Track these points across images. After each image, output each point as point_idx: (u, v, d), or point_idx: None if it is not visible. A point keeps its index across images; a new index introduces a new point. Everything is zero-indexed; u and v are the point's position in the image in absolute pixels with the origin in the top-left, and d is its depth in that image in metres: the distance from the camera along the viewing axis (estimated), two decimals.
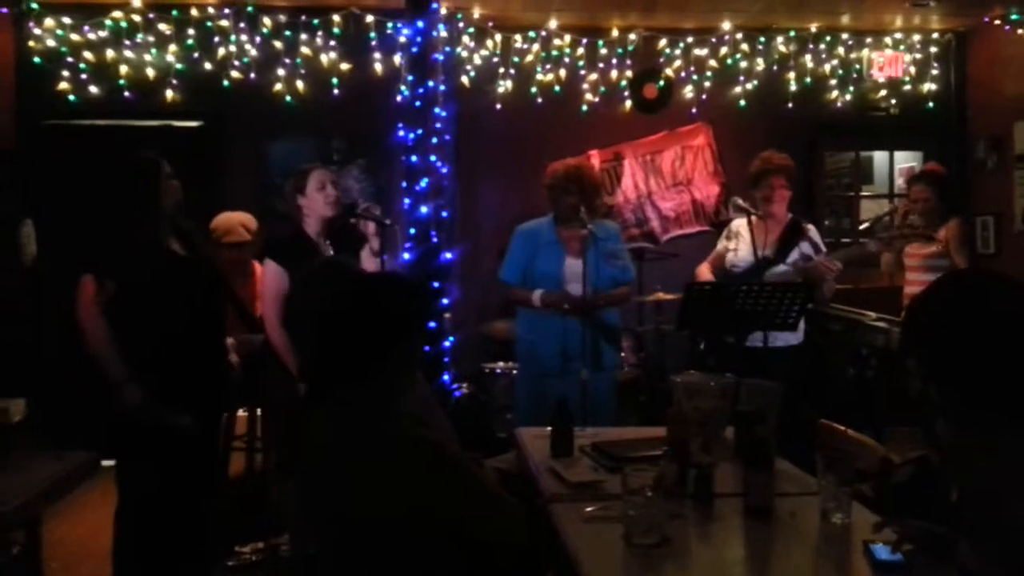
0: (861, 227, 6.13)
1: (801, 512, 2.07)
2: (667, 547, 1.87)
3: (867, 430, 3.36)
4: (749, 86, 5.86)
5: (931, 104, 6.00)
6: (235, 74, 5.35)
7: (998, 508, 1.46)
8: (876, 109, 6.03)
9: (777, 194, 3.91)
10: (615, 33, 5.72)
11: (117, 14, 5.24)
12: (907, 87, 5.99)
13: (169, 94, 5.35)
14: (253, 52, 5.34)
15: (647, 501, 1.90)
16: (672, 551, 1.87)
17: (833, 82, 5.92)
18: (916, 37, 5.96)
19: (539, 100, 5.69)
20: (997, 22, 5.51)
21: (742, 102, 5.86)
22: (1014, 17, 5.36)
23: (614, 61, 5.76)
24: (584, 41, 5.70)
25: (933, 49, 5.98)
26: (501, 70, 5.62)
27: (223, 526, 3.50)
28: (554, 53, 5.69)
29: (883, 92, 6.00)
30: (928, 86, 5.98)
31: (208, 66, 5.35)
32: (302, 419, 1.98)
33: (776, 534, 2.00)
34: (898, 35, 5.94)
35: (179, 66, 5.35)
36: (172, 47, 5.32)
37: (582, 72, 5.74)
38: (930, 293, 1.60)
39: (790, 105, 5.86)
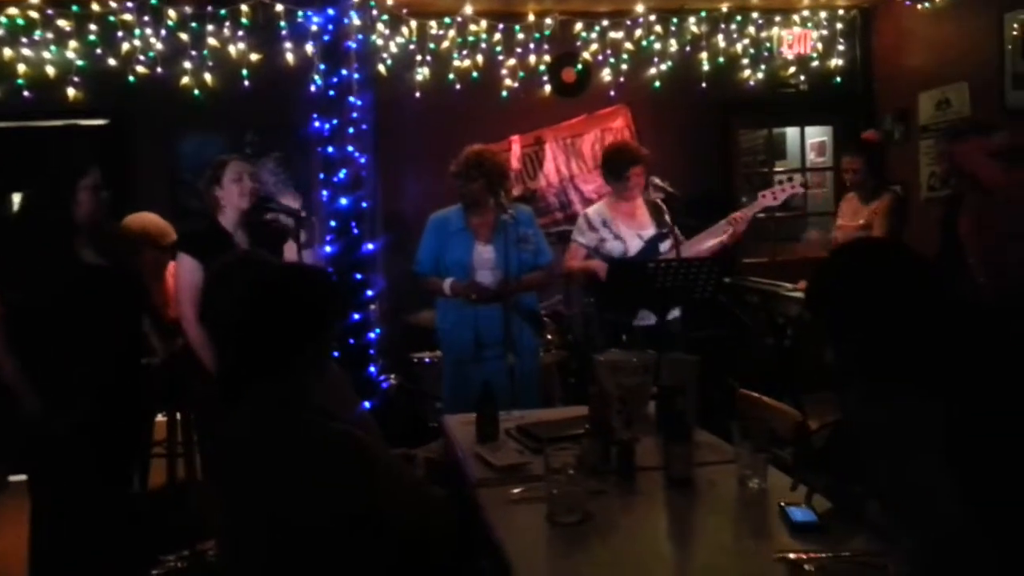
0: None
1: (720, 480, 2.12)
2: (590, 524, 1.90)
3: (786, 398, 3.47)
4: (664, 67, 5.92)
5: (839, 79, 6.15)
6: (140, 69, 5.17)
7: (897, 468, 1.51)
8: (786, 86, 6.16)
9: (641, 179, 4.03)
10: (531, 18, 5.71)
11: (13, 11, 5.00)
12: (815, 63, 6.13)
13: (71, 92, 5.14)
14: (158, 46, 5.16)
15: (569, 479, 1.91)
16: (595, 527, 1.89)
17: (745, 61, 6.03)
18: (823, 14, 6.10)
19: (458, 87, 5.66)
20: None
21: (658, 83, 5.92)
22: None
23: (531, 46, 5.75)
24: (500, 26, 5.68)
25: (839, 25, 6.13)
26: (418, 57, 5.56)
27: (147, 534, 3.42)
28: (471, 39, 5.65)
29: (792, 69, 6.13)
30: (835, 62, 6.13)
31: (112, 62, 5.15)
32: (220, 419, 1.93)
33: (696, 503, 2.04)
34: (805, 12, 6.06)
35: (81, 63, 5.14)
36: (73, 43, 5.11)
37: (500, 58, 5.72)
38: (831, 257, 1.64)
39: (704, 85, 5.94)
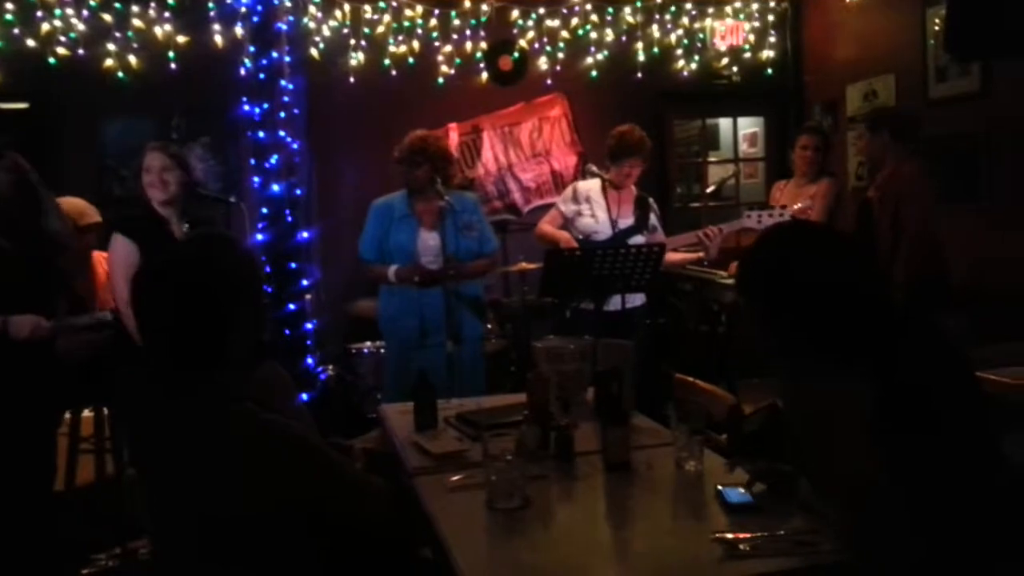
0: (708, 190, 6.38)
1: (657, 463, 2.13)
2: (530, 509, 1.89)
3: (721, 383, 3.53)
4: (600, 56, 5.94)
5: (770, 71, 6.27)
6: (61, 51, 4.97)
7: (825, 447, 1.54)
8: (719, 77, 6.25)
9: (636, 171, 4.01)
10: (467, 4, 5.67)
11: None
12: (747, 55, 6.23)
13: None
14: (80, 27, 4.98)
15: (508, 465, 1.91)
16: (534, 512, 1.89)
17: (679, 51, 6.09)
18: (755, 6, 6.19)
19: (393, 73, 5.58)
20: None
21: (594, 72, 5.95)
22: None
23: (468, 32, 5.71)
24: (436, 12, 5.62)
25: (770, 18, 6.23)
26: (352, 42, 5.48)
27: (77, 532, 3.31)
28: (406, 24, 5.59)
29: (725, 60, 6.22)
30: (767, 53, 6.23)
31: (31, 43, 4.95)
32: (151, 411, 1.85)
33: (634, 486, 2.05)
34: (738, 4, 6.16)
35: None
36: None
37: (436, 44, 5.66)
38: (758, 243, 1.66)
39: (639, 75, 5.99)
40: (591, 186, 4.10)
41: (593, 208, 4.02)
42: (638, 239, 3.96)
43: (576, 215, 4.07)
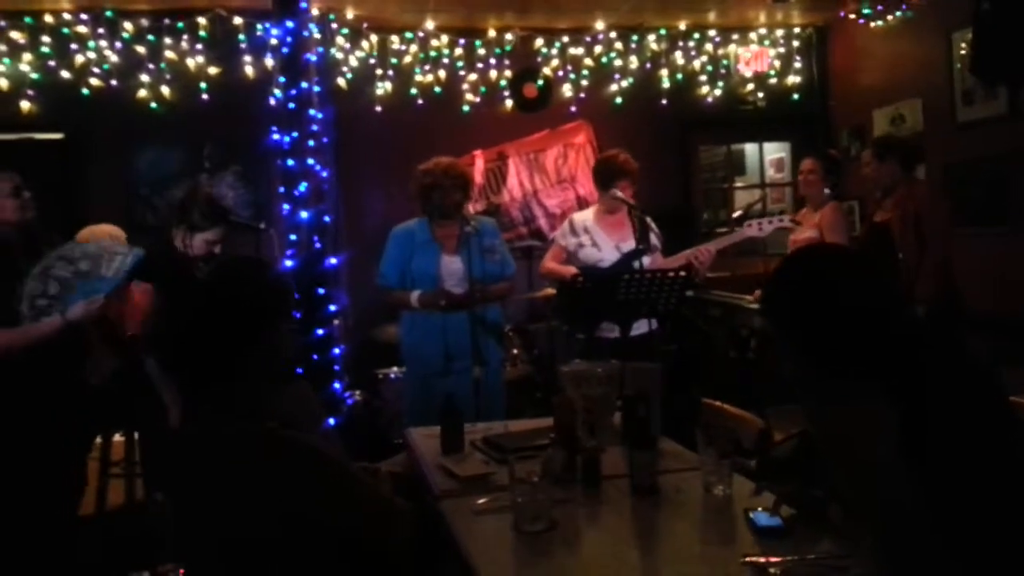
0: (734, 215, 6.35)
1: (685, 487, 2.11)
2: (556, 532, 1.88)
3: (751, 409, 3.48)
4: (624, 83, 5.99)
5: (796, 96, 6.27)
6: (95, 82, 5.11)
7: (854, 469, 1.52)
8: (745, 103, 6.27)
9: (627, 192, 4.00)
10: (492, 33, 5.75)
11: None
12: (773, 80, 6.25)
13: (26, 105, 5.07)
14: (114, 58, 5.12)
15: (534, 488, 1.90)
16: (561, 535, 1.87)
17: (703, 78, 6.12)
18: (779, 32, 6.23)
19: (420, 101, 5.67)
20: (852, 16, 5.82)
21: (619, 99, 5.99)
22: (866, 11, 5.67)
23: (492, 61, 5.79)
24: (462, 42, 5.71)
25: (795, 43, 6.26)
26: (379, 71, 5.57)
27: (105, 556, 3.32)
28: (432, 54, 5.68)
29: (750, 86, 6.24)
30: (792, 79, 6.25)
31: (66, 74, 5.09)
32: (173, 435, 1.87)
33: (662, 510, 2.03)
34: (762, 31, 6.19)
35: (35, 75, 5.07)
36: (27, 56, 5.04)
37: (461, 73, 5.75)
38: (783, 264, 1.65)
39: (664, 101, 6.02)
40: (587, 216, 4.11)
41: (593, 237, 4.02)
42: (644, 261, 3.93)
43: (578, 247, 4.04)
